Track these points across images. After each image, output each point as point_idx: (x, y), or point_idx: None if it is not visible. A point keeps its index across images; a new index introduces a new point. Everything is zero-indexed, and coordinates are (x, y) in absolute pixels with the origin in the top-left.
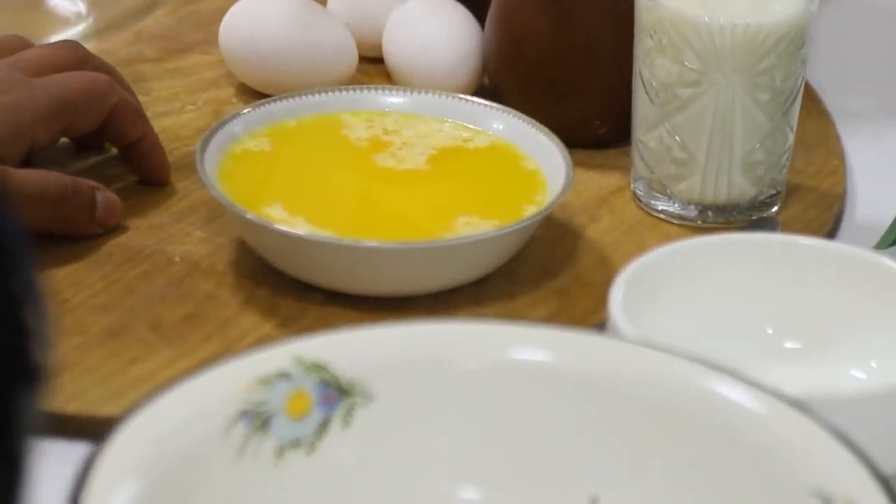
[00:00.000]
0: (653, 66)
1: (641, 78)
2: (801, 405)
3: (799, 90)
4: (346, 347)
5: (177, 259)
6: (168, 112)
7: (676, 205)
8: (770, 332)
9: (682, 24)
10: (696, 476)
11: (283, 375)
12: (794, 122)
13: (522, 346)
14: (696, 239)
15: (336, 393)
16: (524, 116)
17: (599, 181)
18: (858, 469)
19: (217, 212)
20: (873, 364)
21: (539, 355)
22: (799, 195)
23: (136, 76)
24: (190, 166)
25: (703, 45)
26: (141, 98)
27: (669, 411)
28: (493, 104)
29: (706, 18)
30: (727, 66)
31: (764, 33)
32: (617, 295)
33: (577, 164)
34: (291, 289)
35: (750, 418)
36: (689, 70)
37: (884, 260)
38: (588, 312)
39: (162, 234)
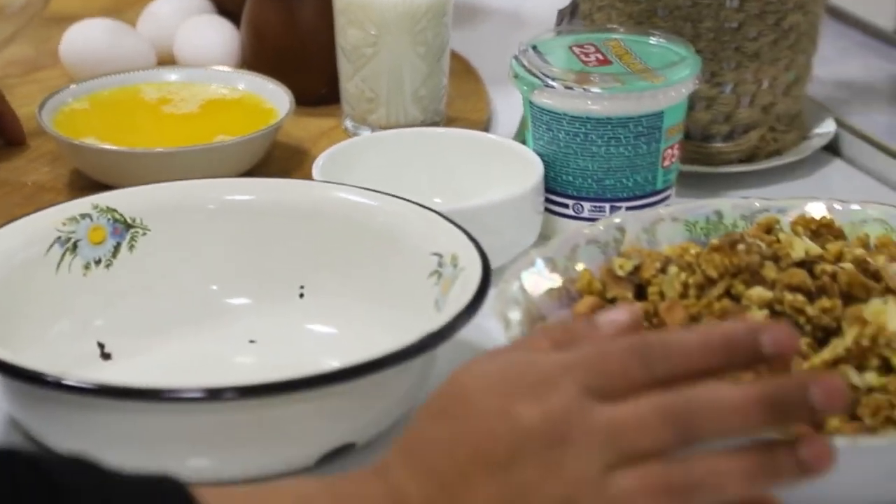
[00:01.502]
0: (346, 36)
1: (340, 46)
2: (423, 205)
3: (446, 45)
4: (129, 196)
5: (28, 183)
6: (27, 104)
7: (372, 131)
8: (426, 189)
9: (364, 3)
10: (360, 259)
11: (85, 215)
12: (446, 67)
13: (238, 192)
14: (377, 133)
15: (123, 227)
16: (263, 76)
17: (321, 122)
18: (459, 236)
19: (57, 153)
20: None
21: (247, 196)
22: (456, 124)
23: (5, 87)
24: (38, 133)
25: (378, 17)
26: (7, 95)
27: (340, 221)
28: (243, 71)
29: None
30: (395, 30)
31: (417, 5)
32: (318, 163)
33: (305, 114)
34: None
35: (389, 215)
36: (370, 35)
37: (500, 139)
38: None
39: (19, 170)
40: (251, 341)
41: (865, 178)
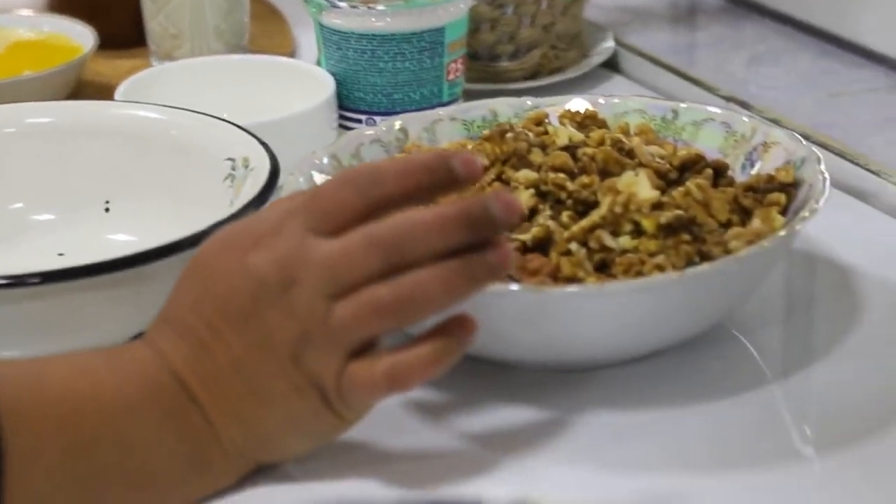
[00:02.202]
0: None
1: None
2: (214, 116)
3: None
4: None
5: None
6: None
7: None
8: (226, 112)
9: None
10: (159, 171)
11: None
12: (247, 4)
13: (39, 115)
14: (178, 62)
15: None
16: (70, 18)
17: (130, 63)
18: (250, 141)
19: None
20: None
21: (47, 118)
22: None
23: None
24: None
25: None
26: None
27: (138, 137)
28: (48, 15)
29: None
30: None
31: None
32: (120, 89)
33: (116, 56)
34: None
35: (183, 128)
36: None
37: (296, 62)
38: None
39: None
40: (60, 254)
41: (643, 90)
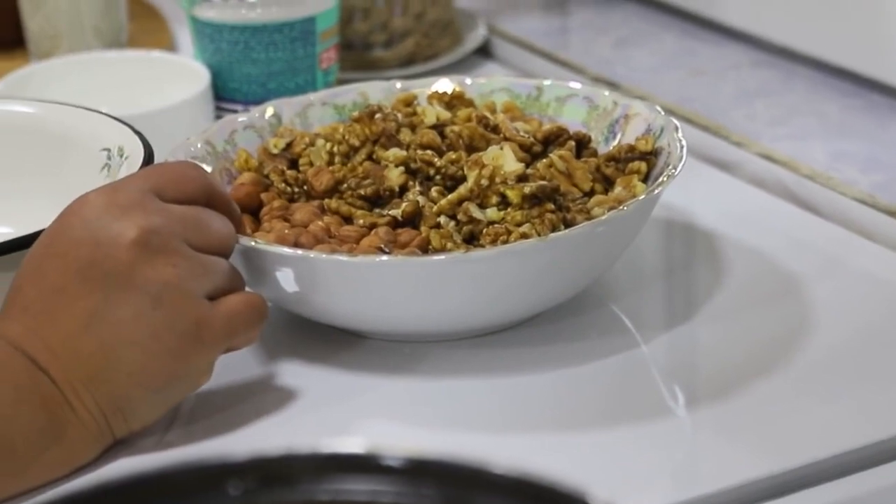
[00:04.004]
0: None
1: None
2: (87, 108)
3: None
4: None
5: None
6: None
7: None
8: (106, 107)
9: None
10: (37, 164)
11: None
12: (125, 4)
13: None
14: (55, 59)
15: None
16: None
17: (9, 64)
18: (124, 130)
19: None
20: None
21: None
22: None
23: None
24: None
25: None
26: None
27: (13, 132)
28: None
29: None
30: None
31: None
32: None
33: None
34: None
35: (58, 121)
36: None
37: (170, 56)
38: None
39: None
40: None
41: (516, 74)
